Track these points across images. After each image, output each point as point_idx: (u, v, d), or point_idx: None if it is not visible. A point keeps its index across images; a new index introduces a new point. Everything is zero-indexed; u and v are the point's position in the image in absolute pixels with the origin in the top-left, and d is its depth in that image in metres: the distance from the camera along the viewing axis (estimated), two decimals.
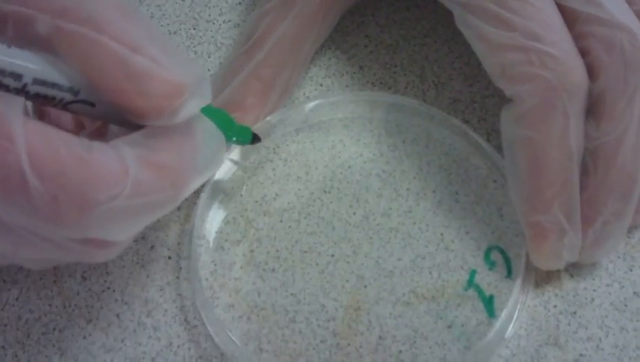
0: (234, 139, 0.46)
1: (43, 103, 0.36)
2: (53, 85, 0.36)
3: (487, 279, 0.47)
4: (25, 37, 0.35)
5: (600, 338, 0.45)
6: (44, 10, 0.35)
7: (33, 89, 0.35)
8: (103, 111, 0.38)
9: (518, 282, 0.45)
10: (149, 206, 0.38)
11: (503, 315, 0.45)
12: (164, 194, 0.38)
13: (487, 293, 0.46)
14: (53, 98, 0.36)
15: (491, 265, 0.47)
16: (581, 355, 0.45)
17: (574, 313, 0.46)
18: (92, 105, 0.37)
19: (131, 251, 0.49)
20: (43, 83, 0.35)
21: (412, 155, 0.50)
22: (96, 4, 0.36)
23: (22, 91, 0.35)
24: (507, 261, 0.47)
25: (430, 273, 0.47)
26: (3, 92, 0.35)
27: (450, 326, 0.45)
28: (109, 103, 0.36)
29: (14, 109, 0.33)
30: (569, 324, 0.46)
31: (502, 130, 0.45)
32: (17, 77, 0.35)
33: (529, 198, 0.44)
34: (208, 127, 0.42)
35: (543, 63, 0.42)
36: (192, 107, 0.38)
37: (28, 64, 0.35)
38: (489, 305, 0.46)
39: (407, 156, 0.50)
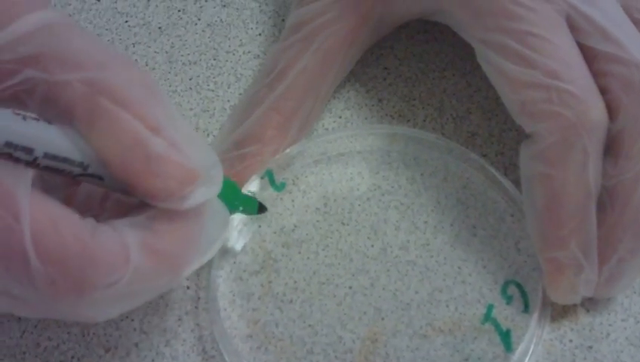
0: (240, 209, 0.46)
1: (52, 174, 0.37)
2: (65, 160, 0.36)
3: (504, 313, 0.47)
4: (47, 107, 0.36)
5: None
6: (72, 81, 0.35)
7: (44, 162, 0.35)
8: (110, 184, 0.38)
9: (535, 316, 0.45)
10: (146, 290, 0.39)
11: (520, 349, 0.45)
12: (163, 279, 0.38)
13: (504, 327, 0.46)
14: (63, 170, 0.36)
15: (508, 299, 0.47)
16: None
17: (590, 347, 0.46)
18: (101, 178, 0.37)
19: None
20: (54, 157, 0.35)
21: (430, 188, 0.51)
22: (124, 79, 0.36)
23: (32, 163, 0.35)
24: (524, 295, 0.47)
25: (447, 306, 0.47)
26: (13, 164, 0.35)
27: (466, 360, 0.45)
28: (119, 180, 0.37)
29: (23, 185, 0.33)
30: (585, 359, 0.46)
31: (520, 166, 0.45)
32: (29, 151, 0.35)
33: (546, 234, 0.44)
34: (214, 206, 0.42)
35: (562, 101, 0.42)
36: (202, 194, 0.38)
37: (41, 138, 0.35)
38: (506, 339, 0.46)
39: (425, 189, 0.51)
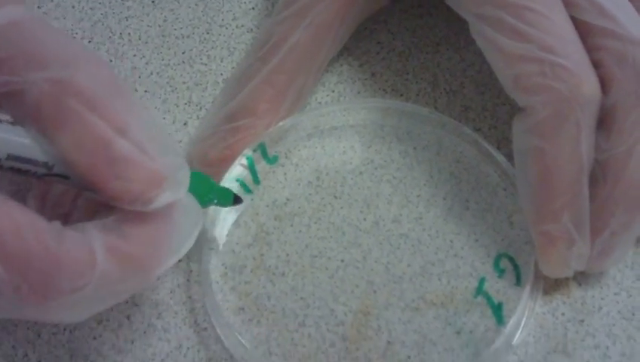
0: (215, 201, 0.46)
1: (16, 175, 0.36)
2: (28, 160, 0.35)
3: (496, 286, 0.47)
4: (12, 107, 0.35)
5: (607, 347, 0.45)
6: (37, 81, 0.34)
7: (7, 164, 0.35)
8: (76, 184, 0.37)
9: (527, 290, 0.45)
10: (115, 293, 0.38)
11: (512, 322, 0.45)
12: (132, 282, 0.38)
13: (496, 300, 0.46)
14: (27, 171, 0.36)
15: (500, 272, 0.47)
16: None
17: (582, 321, 0.46)
18: (66, 177, 0.37)
19: None
20: (17, 158, 0.35)
21: (423, 162, 0.51)
22: (91, 78, 0.35)
23: None
24: (516, 268, 0.47)
25: (439, 279, 0.47)
26: None
27: (458, 333, 0.46)
28: (84, 181, 0.36)
29: None
30: (577, 332, 0.46)
31: (513, 140, 0.45)
32: None
33: (539, 207, 0.44)
34: (185, 203, 0.41)
35: (556, 75, 0.42)
36: (167, 197, 0.37)
37: (3, 140, 0.35)
38: (498, 312, 0.46)
39: (418, 163, 0.51)
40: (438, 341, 0.45)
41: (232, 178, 0.49)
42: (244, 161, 0.50)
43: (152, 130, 0.37)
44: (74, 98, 0.35)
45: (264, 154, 0.50)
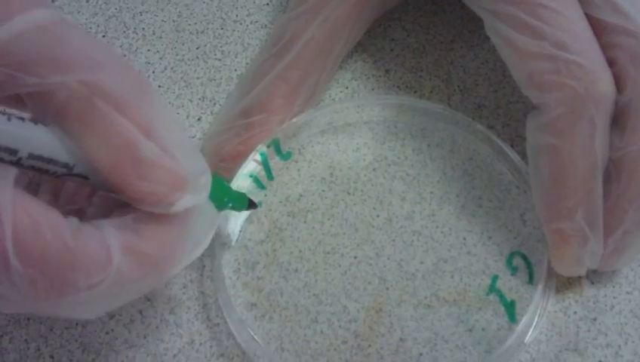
0: (229, 205, 0.45)
1: (36, 173, 0.36)
2: (49, 161, 0.35)
3: (509, 284, 0.47)
4: (39, 108, 0.35)
5: (619, 346, 0.45)
6: (65, 83, 0.34)
7: (28, 162, 0.35)
8: (96, 184, 0.37)
9: (540, 288, 0.45)
10: (129, 291, 0.38)
11: (524, 320, 0.45)
12: (146, 281, 0.38)
13: (508, 298, 0.46)
14: (47, 170, 0.36)
15: (513, 270, 0.47)
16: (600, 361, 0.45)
17: (594, 319, 0.46)
18: (85, 178, 0.36)
19: None
20: (39, 158, 0.35)
21: (436, 160, 0.51)
22: (118, 81, 0.35)
23: (16, 163, 0.34)
24: (529, 266, 0.47)
25: (452, 277, 0.47)
26: None
27: (470, 330, 0.46)
28: (107, 182, 0.36)
29: (5, 185, 0.33)
30: (589, 331, 0.46)
31: (527, 137, 0.45)
32: (12, 152, 0.34)
33: (552, 205, 0.44)
34: (202, 207, 0.41)
35: (570, 72, 0.42)
36: (189, 201, 0.37)
37: (25, 139, 0.34)
38: (510, 309, 0.46)
39: (432, 160, 0.51)
40: (450, 338, 0.45)
41: (245, 174, 0.49)
42: (258, 157, 0.50)
43: (176, 134, 0.37)
44: (101, 99, 0.34)
45: (278, 150, 0.50)
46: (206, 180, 0.39)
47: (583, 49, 0.43)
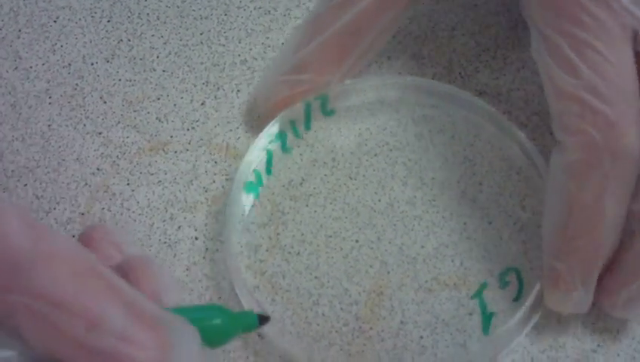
0: (240, 331, 0.37)
1: None
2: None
3: (495, 296, 0.47)
4: None
5: None
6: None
7: None
8: None
9: (523, 308, 0.45)
10: None
11: (528, 302, 0.45)
12: None
13: (488, 310, 0.46)
14: None
15: (504, 284, 0.47)
16: (599, 346, 0.46)
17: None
18: None
19: (159, 231, 0.49)
20: None
21: (438, 145, 0.51)
22: (52, 273, 0.30)
23: None
24: (520, 283, 0.47)
25: (452, 261, 0.48)
26: None
27: (471, 314, 0.46)
28: None
29: None
30: None
31: (550, 165, 0.45)
32: None
33: (554, 241, 0.44)
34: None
35: (594, 121, 0.42)
36: None
37: None
38: (487, 321, 0.46)
39: (433, 146, 0.51)
40: (451, 321, 0.46)
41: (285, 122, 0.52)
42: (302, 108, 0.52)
43: (136, 305, 0.32)
44: (36, 302, 0.30)
45: (323, 107, 0.52)
46: (183, 346, 0.32)
47: (616, 100, 0.42)
